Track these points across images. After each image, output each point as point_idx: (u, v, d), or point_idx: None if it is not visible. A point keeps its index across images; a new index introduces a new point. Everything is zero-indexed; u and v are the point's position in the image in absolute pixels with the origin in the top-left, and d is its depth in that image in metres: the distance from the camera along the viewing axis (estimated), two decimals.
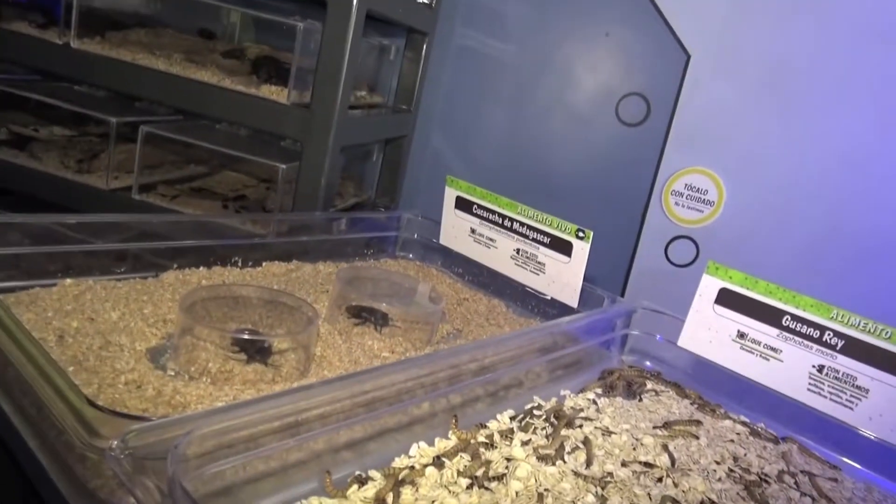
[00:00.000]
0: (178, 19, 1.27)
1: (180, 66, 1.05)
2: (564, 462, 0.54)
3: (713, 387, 0.76)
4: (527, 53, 1.38)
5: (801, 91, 1.21)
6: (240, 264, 0.82)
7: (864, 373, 0.65)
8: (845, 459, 0.68)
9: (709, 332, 0.74)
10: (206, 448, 0.37)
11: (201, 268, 0.77)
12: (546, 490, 0.50)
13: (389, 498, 0.45)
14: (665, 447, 0.60)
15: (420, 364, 0.53)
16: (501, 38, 1.39)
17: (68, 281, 0.66)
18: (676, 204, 1.36)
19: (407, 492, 0.46)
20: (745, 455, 0.63)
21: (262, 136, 1.22)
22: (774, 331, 0.70)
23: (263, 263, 0.84)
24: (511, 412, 0.61)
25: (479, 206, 0.91)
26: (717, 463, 0.60)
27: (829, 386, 0.67)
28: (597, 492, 0.51)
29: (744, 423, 0.70)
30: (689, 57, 1.29)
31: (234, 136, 1.20)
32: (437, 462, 0.50)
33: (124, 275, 0.71)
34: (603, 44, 1.36)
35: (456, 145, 1.45)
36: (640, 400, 0.70)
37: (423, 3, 1.32)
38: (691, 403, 0.72)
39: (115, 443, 0.34)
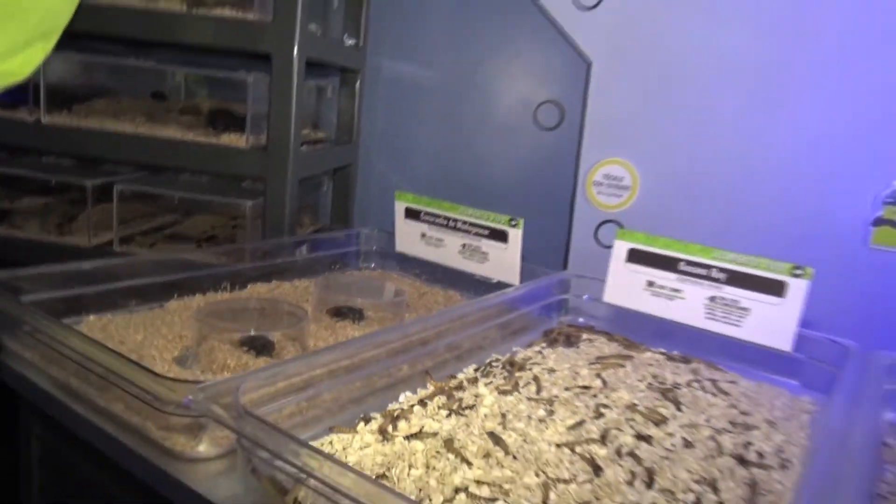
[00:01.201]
0: (132, 86, 1.39)
1: (144, 126, 1.17)
2: (520, 392, 0.70)
3: (636, 331, 0.92)
4: (449, 76, 1.55)
5: (692, 81, 1.41)
6: (228, 289, 0.95)
7: (745, 296, 0.83)
8: (742, 367, 0.86)
9: (625, 285, 0.91)
10: (252, 395, 0.50)
11: (197, 294, 0.90)
12: (507, 411, 0.65)
13: (389, 427, 0.59)
14: (598, 375, 0.76)
15: (399, 329, 0.68)
16: (425, 66, 1.56)
17: (91, 317, 0.78)
18: (599, 193, 1.54)
19: (402, 423, 0.60)
20: (662, 373, 0.80)
21: (222, 180, 1.35)
22: (674, 275, 0.87)
23: (248, 286, 0.97)
24: (474, 366, 0.76)
25: (426, 213, 1.07)
26: (640, 381, 0.77)
27: (720, 311, 0.85)
28: (546, 408, 0.66)
29: (661, 353, 0.87)
30: (589, 64, 1.49)
31: (198, 184, 1.32)
32: (421, 403, 0.65)
33: (136, 308, 0.83)
34: (515, 60, 1.54)
35: (397, 166, 1.61)
36: (578, 347, 0.86)
37: (352, 45, 1.47)
38: (619, 345, 0.89)
39: (191, 396, 0.47)
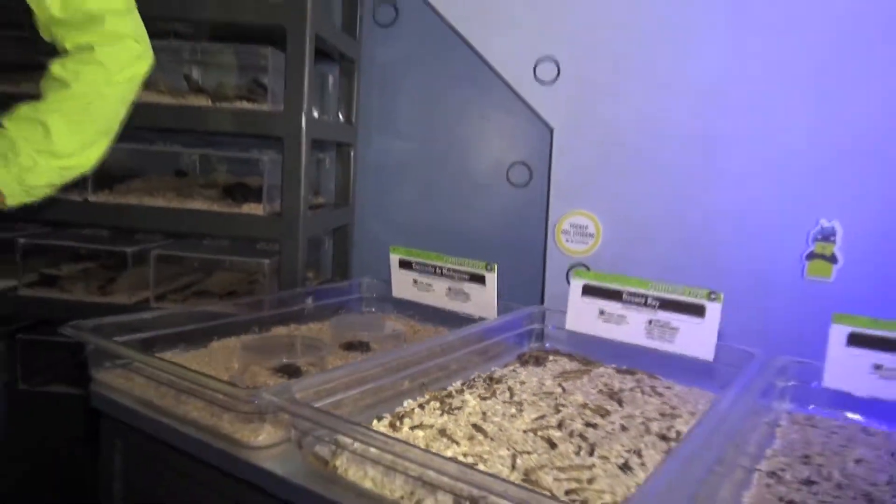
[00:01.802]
0: (158, 165, 1.61)
1: (175, 200, 1.39)
2: (496, 398, 0.89)
3: (592, 351, 1.13)
4: (430, 142, 1.79)
5: (641, 141, 1.66)
6: (257, 331, 1.14)
7: (674, 318, 1.04)
8: (678, 376, 1.06)
9: (582, 315, 1.12)
10: (300, 395, 0.70)
11: (232, 337, 1.10)
12: (486, 410, 0.84)
13: (397, 422, 0.78)
14: (560, 384, 0.96)
15: (399, 352, 0.88)
16: (407, 135, 1.80)
17: (156, 355, 0.97)
18: (567, 240, 1.77)
19: (406, 420, 0.80)
20: (611, 382, 1.00)
21: (237, 243, 1.56)
22: (619, 304, 1.08)
23: (272, 329, 1.17)
24: (461, 381, 0.96)
25: (417, 263, 1.28)
26: (592, 388, 0.97)
27: (657, 331, 1.05)
28: (517, 407, 0.86)
29: (613, 367, 1.07)
30: (552, 130, 1.73)
31: (217, 246, 1.53)
32: (420, 406, 0.84)
33: (186, 348, 1.03)
34: (487, 127, 1.78)
35: (388, 224, 1.82)
36: (545, 366, 1.06)
37: (345, 123, 1.71)
38: (578, 363, 1.09)
39: (262, 394, 0.67)
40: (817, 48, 1.53)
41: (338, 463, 0.67)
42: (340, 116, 1.71)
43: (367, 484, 0.65)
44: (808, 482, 0.72)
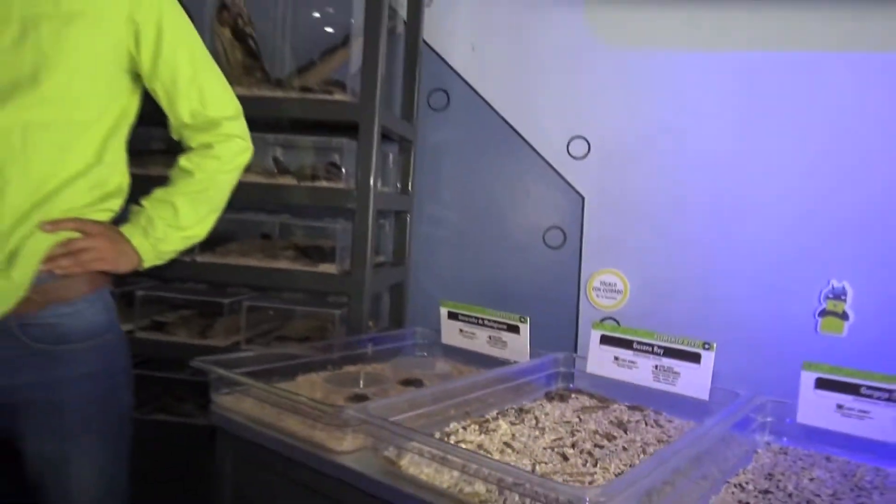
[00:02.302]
0: (246, 230, 1.92)
1: (263, 261, 1.68)
2: (524, 424, 1.12)
3: (609, 391, 1.34)
4: (475, 209, 2.05)
5: (665, 208, 1.89)
6: (330, 369, 1.40)
7: (676, 364, 1.25)
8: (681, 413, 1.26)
9: (600, 361, 1.33)
10: (376, 413, 0.94)
11: (311, 373, 1.36)
12: (515, 432, 1.07)
13: (445, 439, 1.02)
14: (578, 416, 1.18)
15: (448, 384, 1.12)
16: (456, 204, 2.07)
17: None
18: (597, 296, 1.99)
19: (452, 438, 1.03)
20: (621, 416, 1.21)
21: (313, 296, 1.83)
22: (630, 352, 1.30)
23: (342, 367, 1.42)
24: (496, 411, 1.19)
25: (463, 315, 1.52)
26: (605, 419, 1.18)
27: (662, 375, 1.26)
28: (540, 432, 1.08)
29: (625, 405, 1.28)
30: (583, 198, 1.98)
31: (298, 298, 1.81)
32: (464, 428, 1.07)
33: (278, 380, 1.29)
34: (526, 195, 2.03)
35: (438, 281, 2.08)
36: (567, 402, 1.28)
37: (402, 193, 2.00)
38: (596, 401, 1.30)
39: (347, 411, 0.92)
40: (825, 128, 1.77)
41: (402, 462, 0.91)
42: (398, 186, 1.99)
43: (423, 477, 0.88)
44: (766, 492, 0.92)
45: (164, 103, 1.24)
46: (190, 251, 1.67)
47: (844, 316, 1.88)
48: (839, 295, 1.88)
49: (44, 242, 1.10)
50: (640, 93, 1.91)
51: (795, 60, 1.79)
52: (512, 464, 0.88)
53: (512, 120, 2.02)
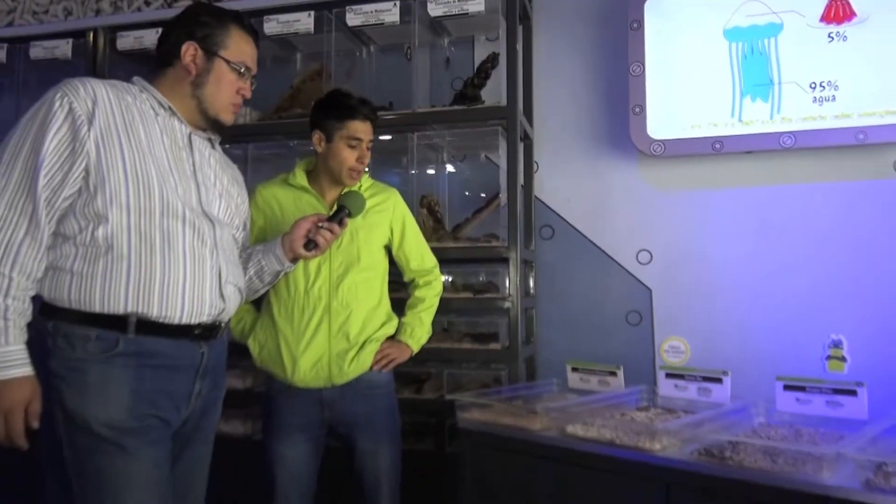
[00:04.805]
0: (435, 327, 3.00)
1: (453, 344, 2.74)
2: (618, 419, 2.09)
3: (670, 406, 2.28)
4: (576, 303, 3.06)
5: (712, 293, 2.86)
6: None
7: (709, 385, 2.19)
8: None
9: (666, 388, 2.29)
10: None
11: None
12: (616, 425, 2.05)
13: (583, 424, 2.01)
14: (649, 418, 2.14)
15: (584, 398, 2.12)
16: (562, 301, 3.09)
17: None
18: (668, 356, 2.94)
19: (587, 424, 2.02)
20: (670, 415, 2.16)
21: (480, 365, 2.88)
22: (683, 381, 2.25)
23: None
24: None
25: (581, 368, 2.51)
26: (657, 415, 2.13)
27: (703, 394, 2.20)
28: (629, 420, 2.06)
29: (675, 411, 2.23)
30: (650, 290, 2.97)
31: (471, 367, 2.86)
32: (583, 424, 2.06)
33: None
34: (609, 291, 3.04)
35: (554, 351, 3.08)
36: (647, 412, 2.24)
37: (529, 296, 3.05)
38: (661, 410, 2.25)
39: (537, 406, 1.94)
40: (821, 230, 2.71)
41: (568, 428, 1.91)
42: (528, 292, 3.05)
43: (578, 433, 1.88)
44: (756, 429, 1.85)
45: (402, 262, 2.36)
46: None
47: (844, 359, 2.76)
48: (838, 344, 2.77)
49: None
50: (681, 218, 2.93)
51: (795, 188, 2.78)
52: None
53: (596, 241, 3.06)
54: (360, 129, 2.15)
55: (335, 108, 2.15)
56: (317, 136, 2.18)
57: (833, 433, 1.78)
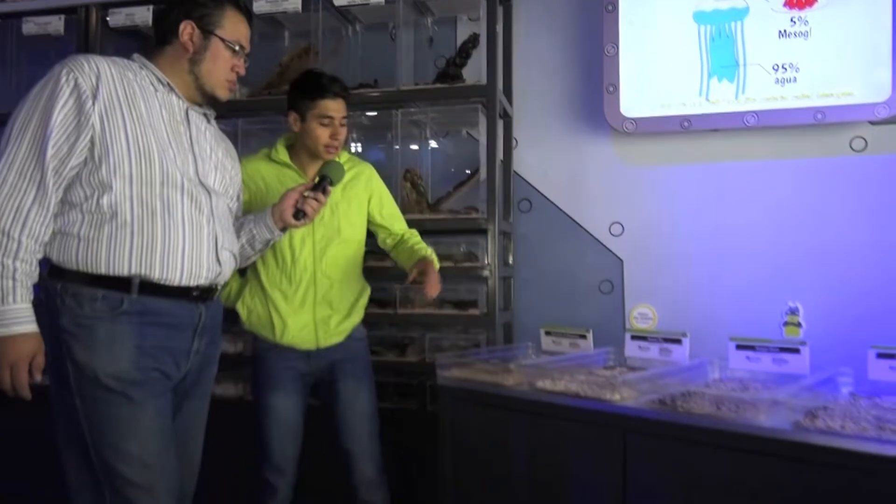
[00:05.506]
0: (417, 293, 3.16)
1: (436, 311, 2.91)
2: (585, 377, 2.27)
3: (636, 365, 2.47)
4: (553, 272, 3.23)
5: (680, 263, 3.04)
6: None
7: (669, 346, 2.37)
8: None
9: (632, 348, 2.46)
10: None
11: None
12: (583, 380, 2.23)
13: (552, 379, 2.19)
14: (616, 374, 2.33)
15: (556, 358, 2.30)
16: (540, 269, 3.26)
17: None
18: (637, 322, 3.12)
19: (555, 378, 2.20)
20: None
21: (462, 329, 3.05)
22: (647, 342, 2.43)
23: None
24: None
25: (554, 332, 2.69)
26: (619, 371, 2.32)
27: (662, 353, 2.39)
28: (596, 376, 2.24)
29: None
30: (622, 261, 3.14)
31: (452, 334, 3.03)
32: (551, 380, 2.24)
33: None
34: (584, 261, 3.20)
35: (530, 316, 3.25)
36: (613, 370, 2.42)
37: (508, 265, 3.21)
38: (625, 368, 2.43)
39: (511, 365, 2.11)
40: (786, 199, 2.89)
41: (538, 383, 2.08)
42: (506, 262, 3.21)
43: (546, 386, 2.05)
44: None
45: (386, 226, 2.51)
46: (393, 306, 2.92)
47: (800, 325, 2.95)
48: (794, 311, 2.95)
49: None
50: (651, 193, 3.09)
51: (758, 165, 2.95)
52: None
53: (571, 214, 3.22)
54: (332, 106, 2.23)
55: (306, 89, 2.24)
56: (292, 116, 2.28)
57: (774, 386, 1.97)
